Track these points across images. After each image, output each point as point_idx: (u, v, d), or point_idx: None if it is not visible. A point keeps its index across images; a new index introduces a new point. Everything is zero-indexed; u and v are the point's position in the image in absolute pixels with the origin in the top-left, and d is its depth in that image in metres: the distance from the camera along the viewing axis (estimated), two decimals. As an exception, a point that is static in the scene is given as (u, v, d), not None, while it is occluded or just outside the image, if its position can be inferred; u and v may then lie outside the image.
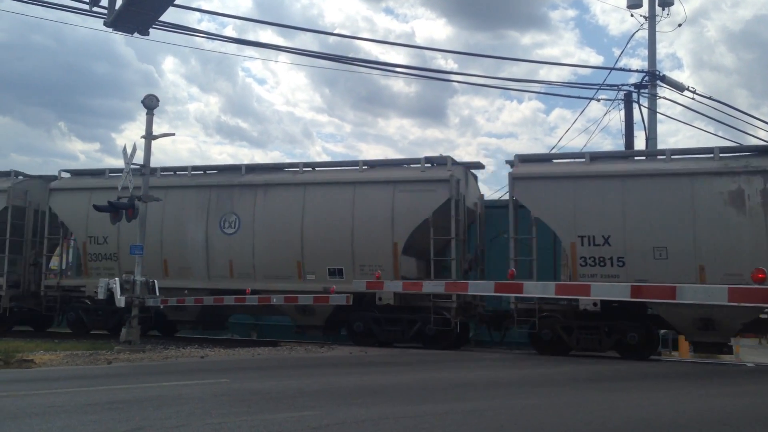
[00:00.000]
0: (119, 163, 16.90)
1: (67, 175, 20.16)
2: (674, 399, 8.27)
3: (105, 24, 10.82)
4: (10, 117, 71.75)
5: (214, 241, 17.32)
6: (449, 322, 15.33)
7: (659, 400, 8.11)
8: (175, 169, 19.00)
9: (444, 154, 16.62)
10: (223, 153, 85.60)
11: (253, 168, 18.09)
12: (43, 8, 14.29)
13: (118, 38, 76.18)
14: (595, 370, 11.74)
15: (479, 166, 18.05)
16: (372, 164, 17.35)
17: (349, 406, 7.15)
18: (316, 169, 17.88)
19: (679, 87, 20.99)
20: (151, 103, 15.25)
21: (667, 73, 21.80)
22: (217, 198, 17.55)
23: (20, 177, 20.31)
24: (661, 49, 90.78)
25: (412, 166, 16.85)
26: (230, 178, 17.71)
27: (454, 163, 16.50)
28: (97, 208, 15.50)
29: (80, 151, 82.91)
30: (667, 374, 11.52)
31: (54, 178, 20.09)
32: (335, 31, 77.79)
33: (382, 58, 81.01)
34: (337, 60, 20.69)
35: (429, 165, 16.50)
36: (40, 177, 20.36)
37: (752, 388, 9.98)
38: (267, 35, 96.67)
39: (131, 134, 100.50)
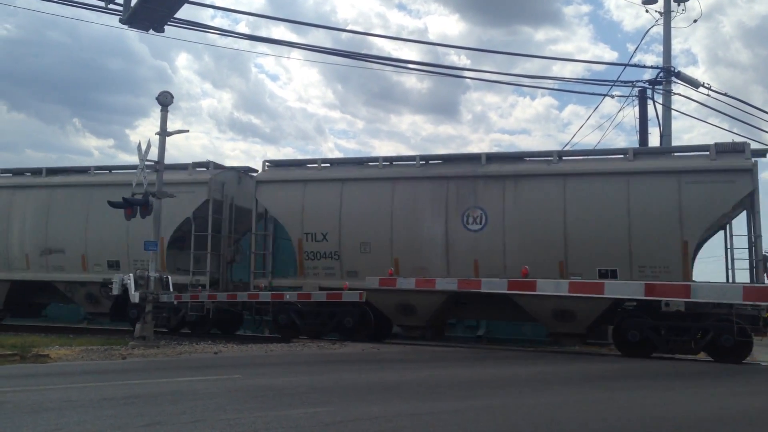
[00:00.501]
0: (133, 159, 17.06)
1: (267, 165, 19.14)
2: (689, 398, 8.22)
3: (120, 21, 10.90)
4: (26, 113, 72.41)
5: (456, 238, 15.72)
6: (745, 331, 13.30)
7: (673, 398, 8.07)
8: (400, 159, 17.61)
9: (738, 141, 14.95)
10: (236, 149, 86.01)
11: (493, 157, 16.52)
12: (59, 5, 14.35)
13: (132, 35, 76.55)
14: (607, 368, 11.69)
15: None
16: (640, 152, 16.09)
17: (363, 402, 7.17)
18: (566, 158, 16.05)
19: (694, 83, 20.81)
20: (165, 100, 15.34)
21: (682, 69, 21.62)
22: (457, 190, 15.91)
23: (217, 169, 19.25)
24: (676, 45, 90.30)
25: (697, 154, 15.18)
26: (471, 169, 16.03)
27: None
28: (112, 204, 15.60)
29: (94, 147, 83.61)
30: (680, 373, 11.45)
31: (248, 169, 19.66)
32: (348, 28, 78.01)
33: (395, 54, 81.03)
34: (349, 56, 20.78)
35: (722, 152, 14.55)
36: (233, 168, 19.55)
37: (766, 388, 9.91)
38: (280, 31, 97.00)
39: (145, 130, 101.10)
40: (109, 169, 20.14)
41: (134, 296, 14.69)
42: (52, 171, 20.35)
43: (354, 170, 17.22)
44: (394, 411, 6.57)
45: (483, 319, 18.56)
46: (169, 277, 15.48)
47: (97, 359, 11.89)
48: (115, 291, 15.30)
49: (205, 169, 18.86)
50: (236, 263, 18.93)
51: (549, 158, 15.71)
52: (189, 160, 19.37)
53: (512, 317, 16.24)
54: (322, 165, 17.44)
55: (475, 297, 15.19)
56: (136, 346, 13.74)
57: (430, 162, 16.84)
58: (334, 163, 17.92)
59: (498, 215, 15.38)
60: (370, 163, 17.42)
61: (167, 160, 15.96)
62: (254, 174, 19.02)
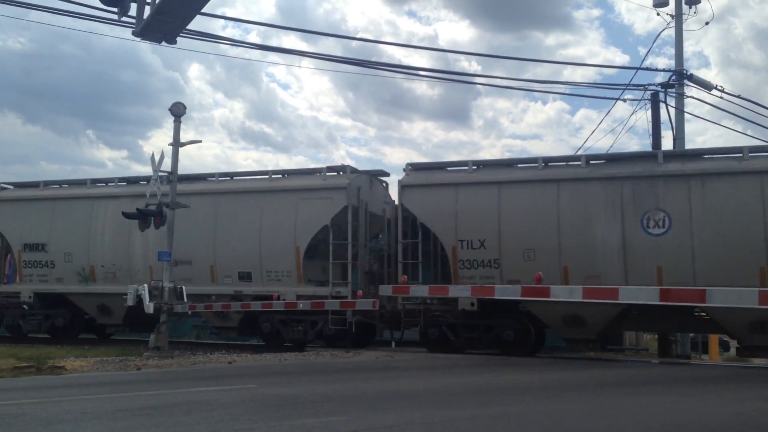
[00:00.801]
0: (147, 170, 17.14)
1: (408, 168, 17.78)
2: (706, 404, 8.14)
3: (133, 33, 10.96)
4: (40, 126, 72.97)
5: (635, 244, 14.46)
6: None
7: (690, 404, 7.99)
8: (561, 159, 16.47)
9: None
10: (248, 159, 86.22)
11: (672, 155, 15.50)
12: (72, 18, 14.55)
13: (145, 46, 77.38)
14: (623, 374, 11.60)
15: None
16: None
17: (376, 411, 7.15)
18: (752, 155, 14.56)
19: (707, 86, 20.68)
20: (178, 111, 15.44)
21: (695, 72, 21.50)
22: (633, 191, 14.68)
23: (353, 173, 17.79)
24: (688, 48, 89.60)
25: None
26: (648, 168, 14.82)
27: None
28: (126, 215, 15.69)
29: (108, 159, 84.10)
30: (697, 378, 11.35)
31: (381, 173, 18.84)
32: (358, 36, 77.96)
33: (405, 61, 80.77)
34: (360, 64, 20.72)
35: None
36: (366, 172, 18.35)
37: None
38: (290, 41, 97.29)
39: (158, 141, 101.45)
40: (231, 175, 18.87)
41: (149, 307, 14.72)
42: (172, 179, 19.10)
43: (511, 172, 16.03)
44: (408, 419, 6.55)
45: (658, 332, 17.27)
46: (183, 287, 15.51)
47: (112, 370, 11.95)
48: (130, 302, 15.32)
49: (335, 173, 17.48)
50: (374, 272, 17.61)
51: (738, 155, 14.43)
52: (201, 170, 19.37)
53: (694, 329, 15.76)
54: (473, 167, 16.15)
55: (650, 308, 13.97)
56: (151, 357, 13.79)
57: (592, 162, 15.65)
58: (484, 165, 16.63)
59: (683, 217, 14.14)
60: (523, 165, 16.39)
61: (180, 171, 15.99)
62: (383, 178, 18.48)
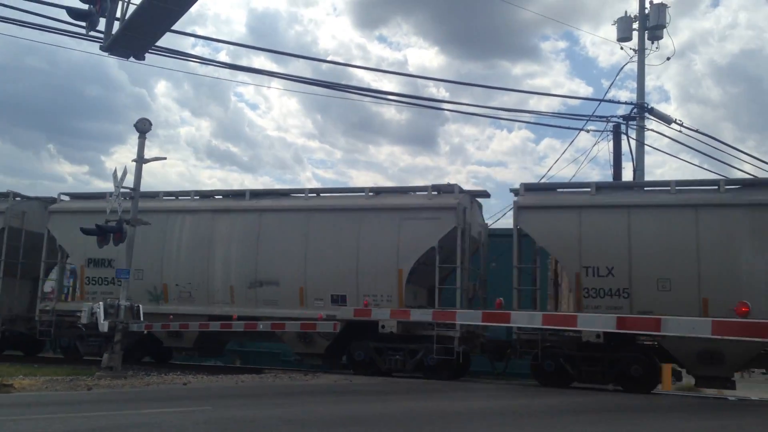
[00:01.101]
0: (108, 186, 16.85)
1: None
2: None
3: (101, 48, 10.87)
4: (0, 139, 71.49)
5: None
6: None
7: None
8: (693, 182, 15.40)
9: None
10: (213, 177, 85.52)
11: None
12: (37, 31, 14.32)
13: (112, 62, 76.38)
14: (581, 401, 11.66)
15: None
16: None
17: (333, 436, 7.05)
18: None
19: (667, 119, 21.30)
20: (143, 127, 15.27)
21: (655, 106, 22.09)
22: None
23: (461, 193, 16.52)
24: (649, 82, 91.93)
25: None
26: None
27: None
28: (84, 230, 15.37)
29: (68, 174, 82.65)
30: (651, 407, 11.46)
31: (482, 194, 17.79)
32: (328, 58, 78.51)
33: (375, 85, 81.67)
34: (329, 86, 20.90)
35: None
36: (468, 192, 16.90)
37: (734, 423, 9.93)
38: (260, 61, 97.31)
39: (121, 157, 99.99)
40: (317, 192, 17.77)
41: (103, 325, 14.40)
42: (257, 194, 18.02)
43: (640, 196, 15.34)
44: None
45: None
46: (140, 306, 15.21)
47: (62, 390, 11.60)
48: (84, 319, 14.99)
49: (437, 192, 16.39)
50: (476, 299, 16.67)
51: None
52: (165, 188, 19.00)
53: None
54: (596, 189, 15.20)
55: None
56: (103, 377, 13.43)
57: (728, 187, 14.72)
58: (606, 187, 15.77)
59: None
60: (651, 188, 15.81)
61: (142, 188, 15.75)
62: (479, 198, 17.52)
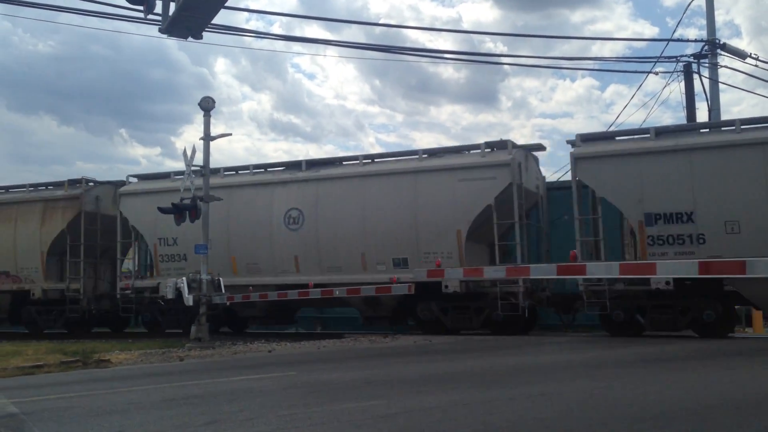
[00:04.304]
0: (179, 165, 17.35)
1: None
2: (754, 376, 8.01)
3: (160, 30, 11.08)
4: (75, 127, 74.50)
5: None
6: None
7: (737, 378, 7.87)
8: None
9: None
10: (278, 150, 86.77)
11: None
12: (99, 19, 14.76)
13: (172, 43, 78.08)
14: (666, 349, 11.45)
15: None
16: None
17: (416, 394, 7.18)
18: None
19: (741, 54, 20.22)
20: (207, 105, 15.61)
21: (726, 42, 20.96)
22: None
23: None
24: (718, 17, 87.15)
25: None
26: None
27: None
28: (162, 210, 15.95)
29: (142, 156, 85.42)
30: (743, 351, 11.16)
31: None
32: (381, 22, 77.74)
33: (430, 45, 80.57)
34: (384, 50, 20.74)
35: None
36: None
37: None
38: (313, 30, 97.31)
39: (189, 136, 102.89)
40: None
41: (188, 299, 15.02)
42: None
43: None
44: (447, 401, 6.58)
45: None
46: (221, 279, 15.74)
47: (156, 362, 12.20)
48: (170, 295, 15.65)
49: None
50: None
51: None
52: (232, 164, 19.44)
53: None
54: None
55: None
56: (192, 348, 14.04)
57: None
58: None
59: None
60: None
61: (214, 164, 16.18)
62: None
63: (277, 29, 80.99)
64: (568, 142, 15.74)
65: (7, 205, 21.36)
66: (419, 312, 16.22)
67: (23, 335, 20.37)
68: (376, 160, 17.86)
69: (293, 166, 18.49)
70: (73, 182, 20.98)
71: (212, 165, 16.38)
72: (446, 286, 15.37)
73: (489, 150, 16.23)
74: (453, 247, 15.77)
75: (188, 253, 17.84)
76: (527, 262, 15.61)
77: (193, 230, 16.47)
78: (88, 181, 21.10)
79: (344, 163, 18.20)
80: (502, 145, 16.19)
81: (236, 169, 19.50)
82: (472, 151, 16.73)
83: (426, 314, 16.10)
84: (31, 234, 20.67)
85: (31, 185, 21.74)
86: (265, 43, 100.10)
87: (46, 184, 21.69)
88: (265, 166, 19.18)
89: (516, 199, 15.52)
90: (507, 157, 15.76)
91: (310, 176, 17.79)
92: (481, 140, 16.49)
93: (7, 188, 22.28)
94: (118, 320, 21.51)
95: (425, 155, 16.99)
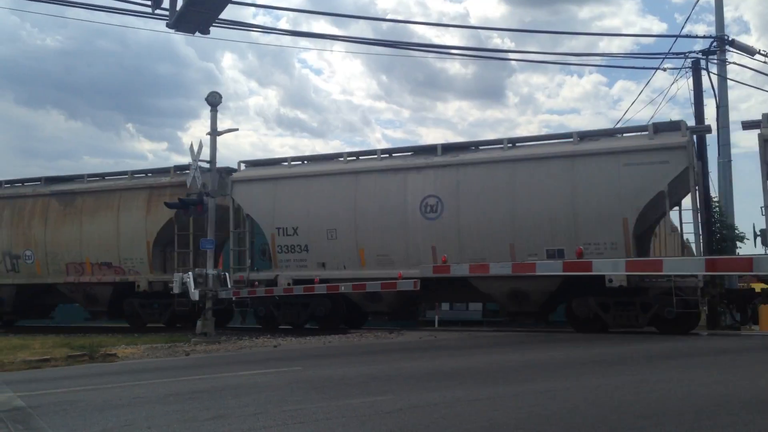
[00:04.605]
0: (185, 160, 17.29)
1: None
2: (759, 373, 7.98)
3: (167, 25, 11.09)
4: (82, 121, 74.74)
5: None
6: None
7: (741, 375, 7.84)
8: None
9: None
10: (284, 145, 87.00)
11: None
12: (106, 14, 14.77)
13: (179, 38, 78.19)
14: (672, 346, 11.42)
15: None
16: None
17: (421, 390, 7.19)
18: None
19: (750, 51, 20.09)
20: (214, 100, 15.64)
21: (735, 38, 20.83)
22: None
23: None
24: (727, 14, 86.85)
25: None
26: None
27: None
28: (169, 204, 15.99)
29: (148, 151, 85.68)
30: (747, 348, 11.12)
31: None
32: (388, 17, 77.60)
33: (437, 41, 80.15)
34: (391, 46, 20.77)
35: None
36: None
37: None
38: (320, 26, 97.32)
39: (196, 131, 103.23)
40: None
41: (194, 294, 15.06)
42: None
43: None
44: (452, 397, 6.58)
45: None
46: (227, 274, 15.78)
47: (162, 356, 12.25)
48: (176, 290, 15.68)
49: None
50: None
51: None
52: (239, 158, 19.00)
53: None
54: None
55: None
56: (199, 343, 14.09)
57: None
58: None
59: None
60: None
61: (220, 160, 16.15)
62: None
63: (284, 24, 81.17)
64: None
65: (110, 193, 20.07)
66: (574, 308, 15.08)
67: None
68: (518, 144, 16.27)
69: (427, 150, 16.96)
70: (179, 168, 19.38)
71: (221, 160, 16.35)
72: (610, 280, 14.00)
73: (654, 132, 14.73)
74: (618, 236, 14.37)
75: (310, 244, 16.84)
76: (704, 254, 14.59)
77: (318, 221, 16.38)
78: (177, 168, 19.48)
79: (481, 147, 16.66)
80: (674, 126, 14.80)
81: (357, 154, 17.95)
82: (634, 134, 15.42)
83: (583, 310, 14.98)
84: (135, 223, 19.36)
85: (134, 172, 20.35)
86: (272, 38, 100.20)
87: (146, 171, 20.46)
88: (391, 151, 17.73)
89: (693, 185, 14.37)
90: (682, 139, 14.31)
91: (449, 161, 16.26)
92: (489, 136, 16.54)
93: (102, 175, 21.04)
94: (221, 314, 19.41)
95: (578, 138, 15.47)
